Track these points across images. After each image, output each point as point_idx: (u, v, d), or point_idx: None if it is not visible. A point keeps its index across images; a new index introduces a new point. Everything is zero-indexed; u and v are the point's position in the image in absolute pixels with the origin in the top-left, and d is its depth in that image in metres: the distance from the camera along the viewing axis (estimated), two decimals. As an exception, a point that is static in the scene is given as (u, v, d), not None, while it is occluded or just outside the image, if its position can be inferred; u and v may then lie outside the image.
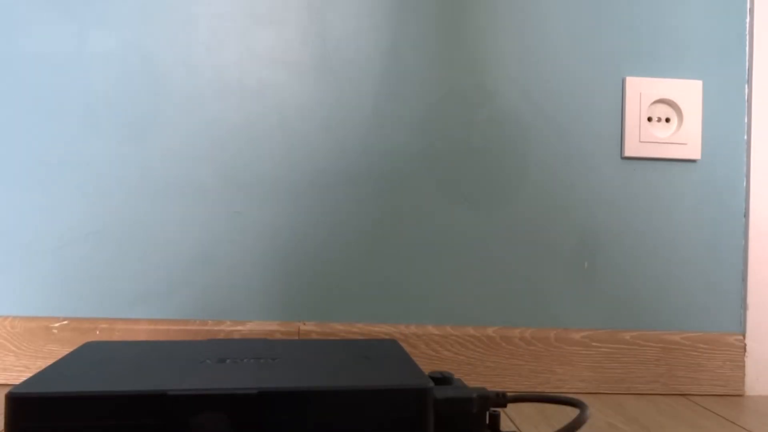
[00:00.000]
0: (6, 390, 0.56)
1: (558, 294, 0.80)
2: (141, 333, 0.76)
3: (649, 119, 0.81)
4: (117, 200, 0.78)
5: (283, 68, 0.79)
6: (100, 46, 0.78)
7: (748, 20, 0.81)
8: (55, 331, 0.75)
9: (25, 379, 0.59)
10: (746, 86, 0.81)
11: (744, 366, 0.79)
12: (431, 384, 0.43)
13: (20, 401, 0.39)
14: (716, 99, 0.81)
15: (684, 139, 0.80)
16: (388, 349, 0.53)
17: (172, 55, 0.78)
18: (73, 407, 0.39)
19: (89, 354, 0.50)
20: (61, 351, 0.75)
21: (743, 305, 0.80)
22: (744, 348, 0.79)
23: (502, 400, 0.47)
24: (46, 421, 0.39)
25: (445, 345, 0.78)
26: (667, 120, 0.81)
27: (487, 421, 0.46)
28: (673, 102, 0.80)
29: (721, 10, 0.81)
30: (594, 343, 0.79)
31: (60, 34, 0.78)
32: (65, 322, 0.76)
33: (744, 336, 0.80)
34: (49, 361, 0.75)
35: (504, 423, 0.64)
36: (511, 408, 0.70)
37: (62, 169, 0.77)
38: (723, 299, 0.81)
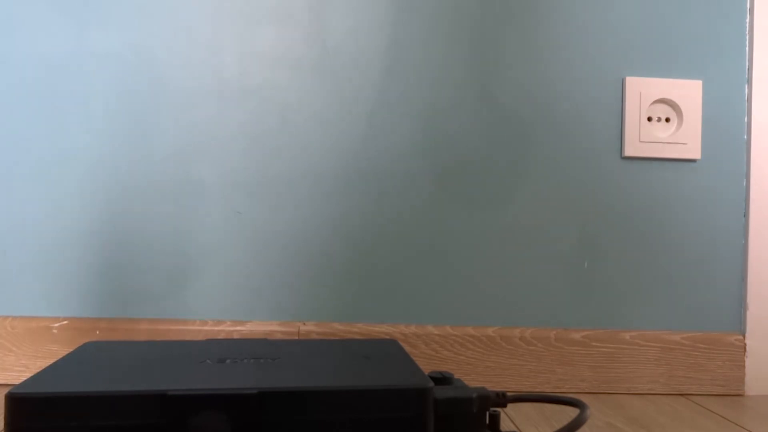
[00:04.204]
0: (6, 390, 0.56)
1: (558, 294, 0.80)
2: (141, 333, 0.76)
3: (649, 119, 0.81)
4: (117, 200, 0.78)
5: (284, 68, 0.79)
6: (99, 46, 0.78)
7: (748, 20, 0.81)
8: (55, 331, 0.75)
9: (25, 379, 0.59)
10: (746, 86, 0.81)
11: (744, 366, 0.79)
12: (431, 384, 0.43)
13: (20, 401, 0.39)
14: (716, 99, 0.81)
15: (684, 139, 0.80)
16: (388, 349, 0.53)
17: (172, 55, 0.78)
18: (73, 407, 0.39)
19: (89, 354, 0.50)
20: (61, 351, 0.75)
21: (743, 305, 0.80)
22: (744, 348, 0.79)
23: (502, 400, 0.47)
24: (46, 421, 0.39)
25: (445, 345, 0.78)
26: (667, 120, 0.81)
27: (487, 421, 0.46)
28: (673, 102, 0.80)
29: (721, 10, 0.81)
30: (594, 343, 0.79)
31: (60, 34, 0.78)
32: (65, 322, 0.76)
33: (744, 336, 0.80)
34: (49, 361, 0.75)
35: (504, 423, 0.64)
36: (511, 408, 0.70)
37: (62, 169, 0.77)
38: (723, 299, 0.81)
